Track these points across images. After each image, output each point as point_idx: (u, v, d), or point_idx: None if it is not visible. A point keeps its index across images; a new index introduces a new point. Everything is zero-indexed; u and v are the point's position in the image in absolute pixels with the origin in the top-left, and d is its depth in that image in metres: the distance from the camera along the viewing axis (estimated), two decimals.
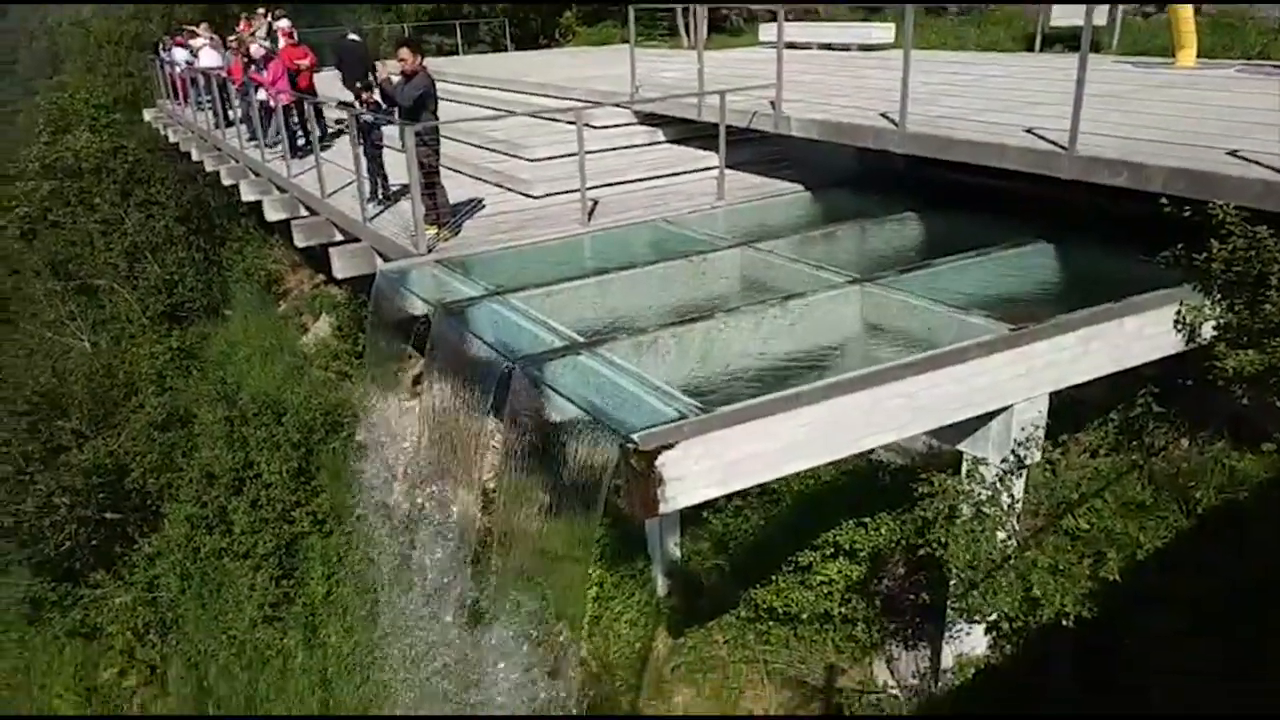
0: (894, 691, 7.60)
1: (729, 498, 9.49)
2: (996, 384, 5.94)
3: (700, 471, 5.03)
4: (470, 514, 12.96)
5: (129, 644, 14.57)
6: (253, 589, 13.29)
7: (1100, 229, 7.91)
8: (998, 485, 6.33)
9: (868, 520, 7.64)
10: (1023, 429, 6.21)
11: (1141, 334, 6.45)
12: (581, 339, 6.39)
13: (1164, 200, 6.31)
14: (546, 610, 11.06)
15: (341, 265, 10.15)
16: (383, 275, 8.54)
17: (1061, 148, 7.13)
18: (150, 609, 14.64)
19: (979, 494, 6.33)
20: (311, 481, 14.23)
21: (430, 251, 8.70)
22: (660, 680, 9.93)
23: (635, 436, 4.84)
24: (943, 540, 6.31)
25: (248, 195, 14.35)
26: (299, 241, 11.87)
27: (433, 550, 13.13)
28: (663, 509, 5.02)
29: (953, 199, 9.34)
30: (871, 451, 8.59)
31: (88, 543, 15.41)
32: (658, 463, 4.85)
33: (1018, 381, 6.03)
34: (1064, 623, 6.06)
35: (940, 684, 7.21)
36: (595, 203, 9.80)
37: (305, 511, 13.82)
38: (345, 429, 15.01)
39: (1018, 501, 6.49)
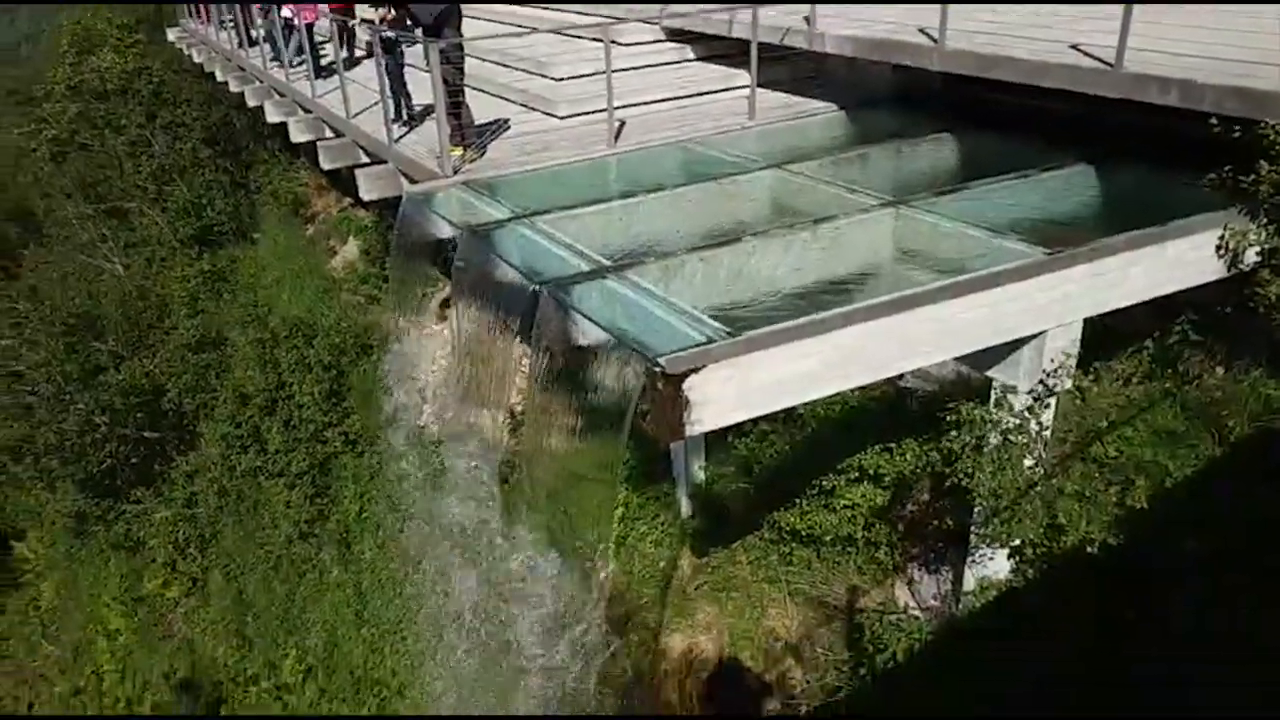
0: (915, 613, 7.71)
1: (754, 422, 9.52)
2: (1030, 309, 5.84)
3: (726, 395, 5.03)
4: (498, 436, 13.14)
5: (171, 557, 15.10)
6: (288, 506, 13.65)
7: (1145, 151, 7.65)
8: (1026, 413, 6.27)
9: (893, 446, 7.64)
10: (1054, 356, 6.13)
11: (1182, 259, 6.28)
12: (608, 262, 6.34)
13: (1213, 120, 6.07)
14: (573, 530, 11.27)
15: (368, 187, 10.11)
16: (408, 198, 8.49)
17: (1108, 65, 6.84)
18: (190, 524, 15.11)
19: (1007, 422, 6.28)
20: (342, 403, 14.46)
21: (456, 173, 8.61)
22: (684, 598, 10.14)
23: (662, 360, 4.83)
24: (969, 470, 6.31)
25: (273, 117, 14.24)
26: (325, 164, 11.81)
27: (461, 471, 13.37)
28: (689, 432, 5.05)
29: (991, 119, 9.06)
30: (900, 377, 8.55)
31: (128, 460, 15.85)
32: (684, 386, 4.85)
33: (1052, 307, 5.92)
34: (1089, 549, 6.08)
35: (961, 606, 7.30)
36: (622, 123, 9.61)
37: (337, 432, 14.08)
38: (374, 352, 15.17)
39: (1046, 429, 6.44)
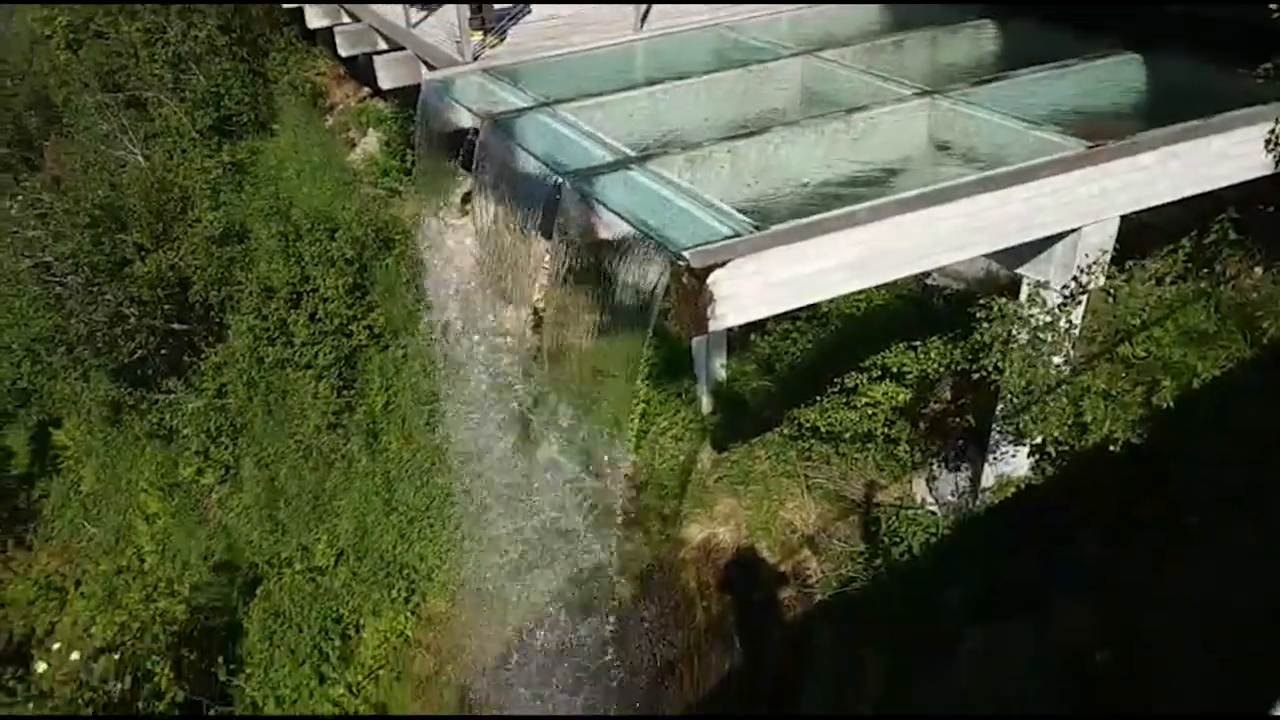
0: (931, 508, 7.81)
1: (777, 320, 9.49)
2: (1066, 204, 5.69)
3: (751, 291, 4.99)
4: (521, 332, 13.21)
5: (204, 445, 15.47)
6: (315, 398, 13.87)
7: (1196, 39, 7.28)
8: (1057, 310, 6.19)
9: (918, 344, 7.57)
10: (1088, 253, 6.00)
11: (1228, 154, 6.06)
12: (633, 153, 6.21)
13: (1273, 4, 5.75)
14: (595, 424, 11.43)
15: (387, 75, 9.88)
16: (428, 85, 8.29)
17: None
18: (221, 414, 15.42)
19: (1038, 319, 6.20)
20: (366, 297, 14.51)
21: (476, 59, 8.38)
22: (703, 491, 10.34)
23: (686, 254, 4.79)
24: (998, 365, 6.27)
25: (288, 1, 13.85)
26: (342, 50, 11.54)
27: (484, 366, 13.50)
28: (712, 327, 5.03)
29: (1034, 5, 8.63)
30: (927, 275, 8.45)
31: (158, 351, 16.08)
32: (708, 281, 4.81)
33: (1089, 203, 5.76)
34: (1111, 448, 6.08)
35: (979, 501, 7.38)
36: (649, 6, 9.25)
37: (362, 325, 14.18)
38: (397, 246, 15.12)
39: (1075, 327, 6.36)
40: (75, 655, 12.40)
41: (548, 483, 11.91)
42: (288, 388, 14.57)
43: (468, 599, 11.99)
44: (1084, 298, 6.26)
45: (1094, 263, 6.04)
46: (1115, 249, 6.18)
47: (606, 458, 11.44)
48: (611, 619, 10.91)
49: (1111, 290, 6.61)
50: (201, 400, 15.47)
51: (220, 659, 13.23)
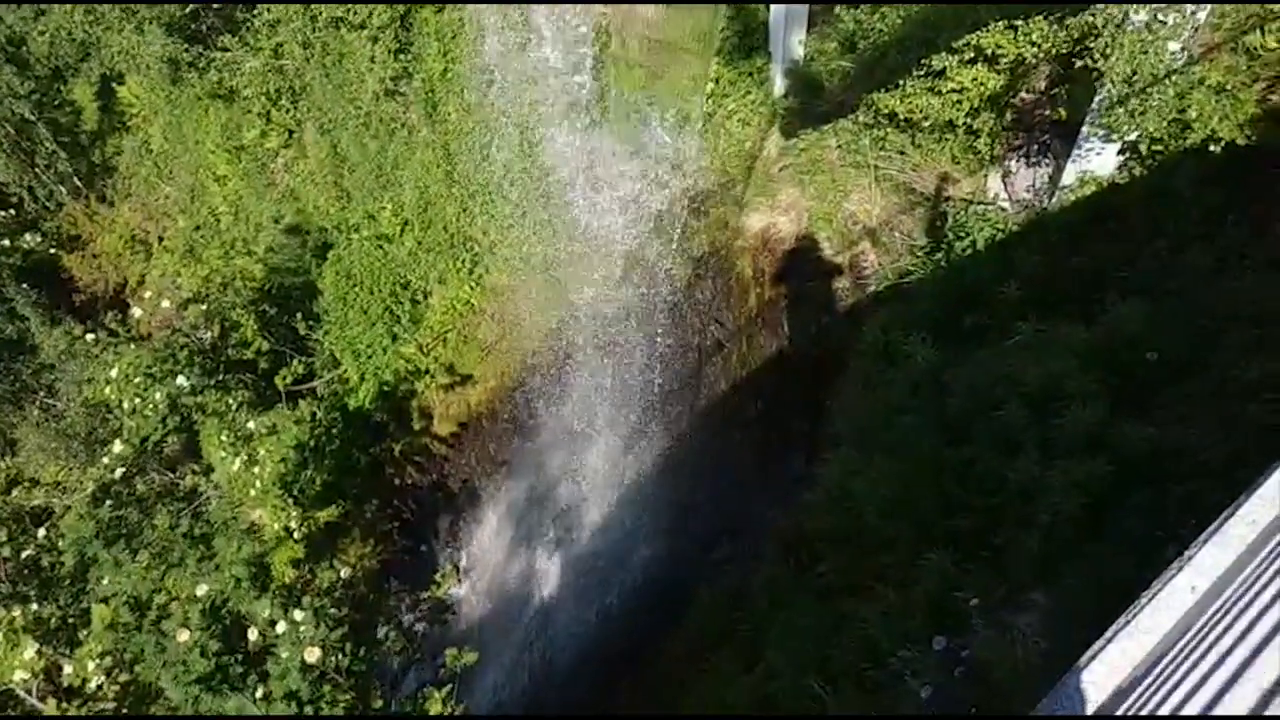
0: (1004, 204, 7.60)
1: None
2: None
3: None
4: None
5: (265, 108, 15.35)
6: (372, 61, 13.45)
7: None
8: None
9: (1020, 24, 6.91)
10: None
11: None
12: None
13: None
14: (659, 102, 11.00)
15: None
16: None
17: None
18: (279, 75, 15.11)
19: None
20: None
21: None
22: (767, 179, 10.15)
23: None
24: (1106, 49, 5.72)
25: None
26: None
27: (547, 34, 12.79)
28: None
29: None
30: None
31: (209, 5, 15.50)
32: None
33: None
34: (1211, 148, 5.70)
35: (1054, 200, 7.14)
36: None
37: None
38: None
39: (1203, 10, 5.71)
40: (166, 303, 13.33)
41: (608, 156, 11.71)
42: (344, 50, 14.08)
43: (529, 273, 12.39)
44: None
45: None
46: None
47: (669, 138, 11.13)
48: (666, 298, 11.28)
49: None
50: (259, 59, 15.09)
51: (299, 315, 14.15)
